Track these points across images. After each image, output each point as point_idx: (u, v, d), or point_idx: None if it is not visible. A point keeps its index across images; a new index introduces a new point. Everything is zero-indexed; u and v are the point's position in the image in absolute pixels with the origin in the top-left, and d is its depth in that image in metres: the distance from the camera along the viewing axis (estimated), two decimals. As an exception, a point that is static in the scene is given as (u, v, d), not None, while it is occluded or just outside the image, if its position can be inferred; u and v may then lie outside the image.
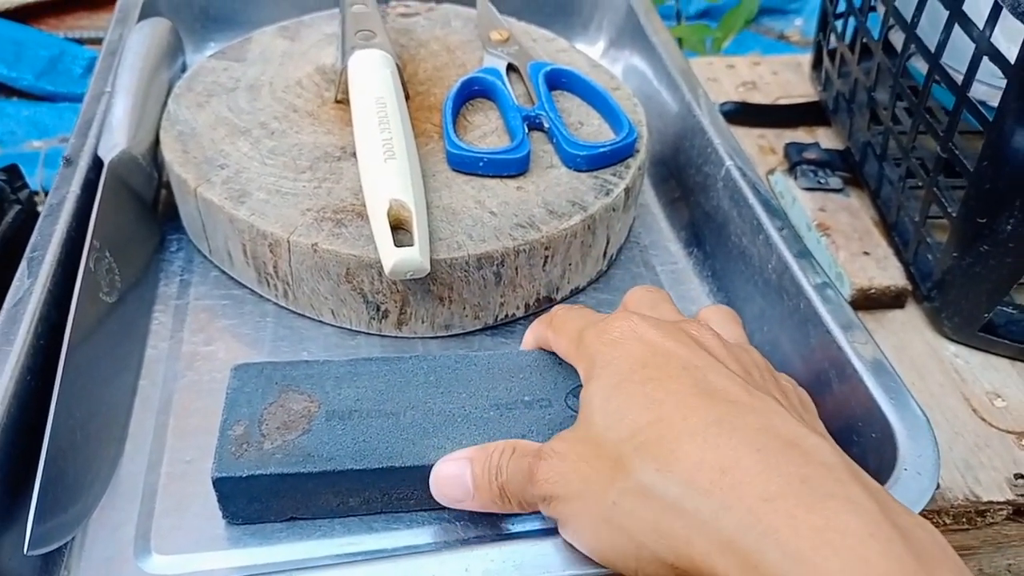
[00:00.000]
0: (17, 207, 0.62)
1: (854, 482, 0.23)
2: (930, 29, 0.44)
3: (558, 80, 0.51)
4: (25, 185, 0.63)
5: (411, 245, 0.38)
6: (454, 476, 0.32)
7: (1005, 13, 0.37)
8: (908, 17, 0.45)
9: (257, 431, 0.33)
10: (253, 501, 0.33)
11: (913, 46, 0.45)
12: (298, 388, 0.35)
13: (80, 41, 1.26)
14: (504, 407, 0.35)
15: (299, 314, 0.44)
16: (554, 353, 0.36)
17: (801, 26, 1.47)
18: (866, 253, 0.48)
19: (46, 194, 1.10)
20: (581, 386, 0.31)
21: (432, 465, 0.32)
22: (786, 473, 0.23)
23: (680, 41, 0.98)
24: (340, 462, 0.33)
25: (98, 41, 1.27)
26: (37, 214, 0.66)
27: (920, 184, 0.46)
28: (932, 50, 0.43)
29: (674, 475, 0.24)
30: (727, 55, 1.01)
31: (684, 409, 0.26)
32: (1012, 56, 0.37)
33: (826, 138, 0.60)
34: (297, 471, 0.32)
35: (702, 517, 0.23)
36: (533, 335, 0.38)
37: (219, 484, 0.32)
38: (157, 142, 0.46)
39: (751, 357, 0.32)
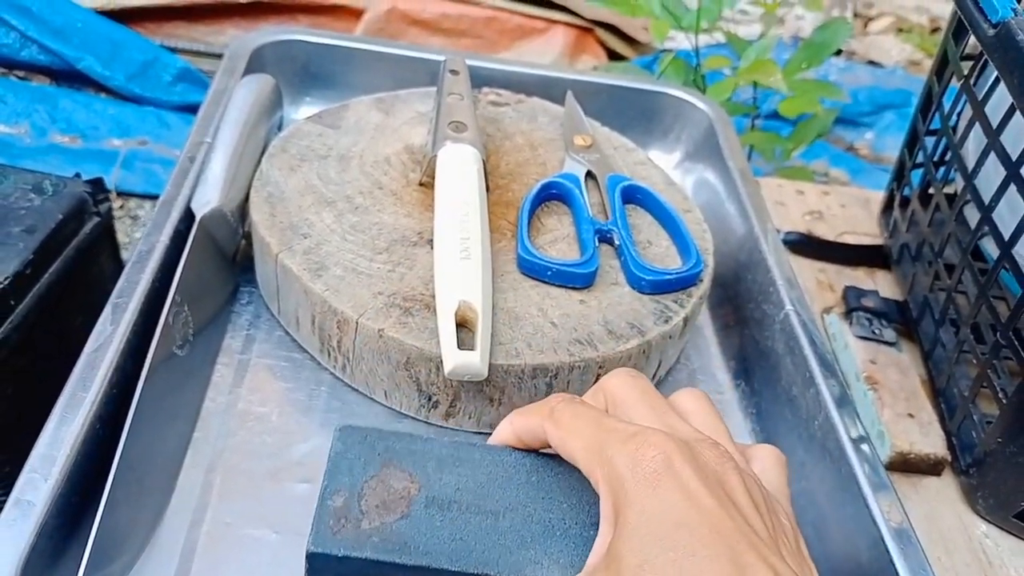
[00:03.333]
0: (96, 219, 0.65)
1: None
2: (1008, 215, 0.45)
3: (633, 195, 0.53)
4: (107, 199, 0.66)
5: (472, 348, 0.40)
6: None
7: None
8: (986, 198, 0.46)
9: (356, 506, 0.33)
10: None
11: (986, 227, 0.45)
12: (400, 464, 0.34)
13: (174, 50, 1.31)
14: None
15: (353, 388, 0.45)
16: None
17: (872, 140, 1.48)
18: (911, 415, 0.49)
19: (119, 195, 1.15)
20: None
21: None
22: None
23: (751, 147, 1.00)
24: (436, 558, 0.32)
25: (191, 52, 1.31)
26: (112, 228, 0.69)
27: (975, 359, 0.46)
28: (1006, 238, 0.44)
29: None
30: (797, 164, 1.02)
31: None
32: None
33: (886, 284, 0.61)
34: (391, 560, 0.32)
35: None
36: (514, 428, 0.35)
37: (312, 559, 0.32)
38: (246, 198, 0.49)
39: (778, 518, 0.30)
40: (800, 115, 0.94)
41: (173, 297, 0.41)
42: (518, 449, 0.35)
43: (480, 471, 0.35)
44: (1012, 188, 0.43)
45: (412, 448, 0.35)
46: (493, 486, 0.34)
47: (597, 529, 0.31)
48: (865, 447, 0.40)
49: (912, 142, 0.59)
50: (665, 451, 0.28)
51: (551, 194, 0.52)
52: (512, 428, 0.35)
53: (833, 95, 0.91)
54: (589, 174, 0.54)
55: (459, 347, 0.40)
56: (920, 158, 0.58)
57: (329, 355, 0.45)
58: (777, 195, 0.70)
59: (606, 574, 0.28)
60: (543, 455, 0.35)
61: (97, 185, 0.65)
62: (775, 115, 1.32)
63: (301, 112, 0.64)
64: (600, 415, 0.32)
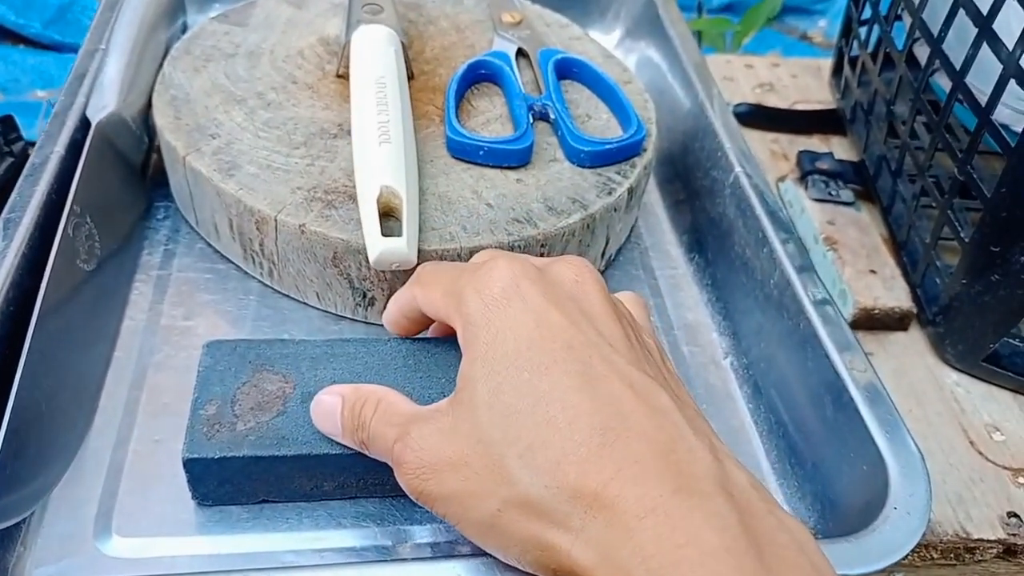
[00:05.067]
0: (10, 159, 0.60)
1: (719, 493, 0.24)
2: (957, 45, 0.42)
3: (568, 69, 0.49)
4: (20, 137, 0.62)
5: (399, 235, 0.37)
6: (328, 409, 0.31)
7: (1038, 35, 0.35)
8: (935, 30, 0.43)
9: (230, 411, 0.33)
10: (224, 483, 0.33)
11: (938, 61, 0.43)
12: (272, 368, 0.34)
13: (90, -9, 1.24)
14: None
15: (284, 294, 0.42)
16: None
17: (825, 27, 1.45)
18: (872, 271, 0.47)
19: (45, 145, 1.08)
20: None
21: None
22: (660, 485, 0.23)
23: (699, 35, 0.96)
24: (315, 446, 0.32)
25: (109, -8, 1.25)
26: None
27: (934, 204, 0.44)
28: (957, 67, 0.41)
29: (560, 492, 0.24)
30: (747, 53, 0.99)
31: (570, 411, 0.25)
32: (1041, 81, 0.35)
33: (841, 148, 0.58)
34: (271, 454, 0.32)
35: (586, 535, 0.24)
36: (397, 304, 0.34)
37: (189, 465, 0.32)
38: (150, 105, 0.45)
39: (642, 337, 0.30)
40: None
41: (71, 207, 0.37)
42: (394, 339, 0.35)
43: (356, 363, 0.35)
44: (961, 14, 0.40)
45: (284, 352, 0.35)
46: (370, 374, 0.34)
47: None
48: (822, 298, 0.38)
49: (858, -7, 0.56)
50: (512, 273, 0.28)
51: (480, 75, 0.49)
52: (396, 305, 0.35)
53: (779, -31, 0.87)
54: (521, 52, 0.51)
55: (384, 234, 0.37)
56: (867, 12, 0.55)
57: (253, 261, 0.42)
58: (726, 71, 0.67)
59: (462, 396, 0.27)
60: (419, 340, 0.36)
61: (7, 123, 0.61)
62: (724, 8, 1.29)
63: (212, 20, 0.60)
64: (459, 265, 0.32)
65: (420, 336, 0.36)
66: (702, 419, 0.28)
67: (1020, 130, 0.37)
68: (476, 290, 0.28)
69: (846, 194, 0.52)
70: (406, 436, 0.27)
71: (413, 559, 0.31)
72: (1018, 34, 0.37)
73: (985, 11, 0.39)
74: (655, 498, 0.23)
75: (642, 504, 0.23)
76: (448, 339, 0.35)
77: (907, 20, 0.47)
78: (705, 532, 0.22)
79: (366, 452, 0.30)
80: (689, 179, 0.51)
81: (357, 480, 0.33)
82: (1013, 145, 0.38)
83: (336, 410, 0.31)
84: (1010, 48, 0.37)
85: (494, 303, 0.27)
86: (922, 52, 0.46)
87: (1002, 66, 0.38)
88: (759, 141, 0.59)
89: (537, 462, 0.25)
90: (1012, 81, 0.37)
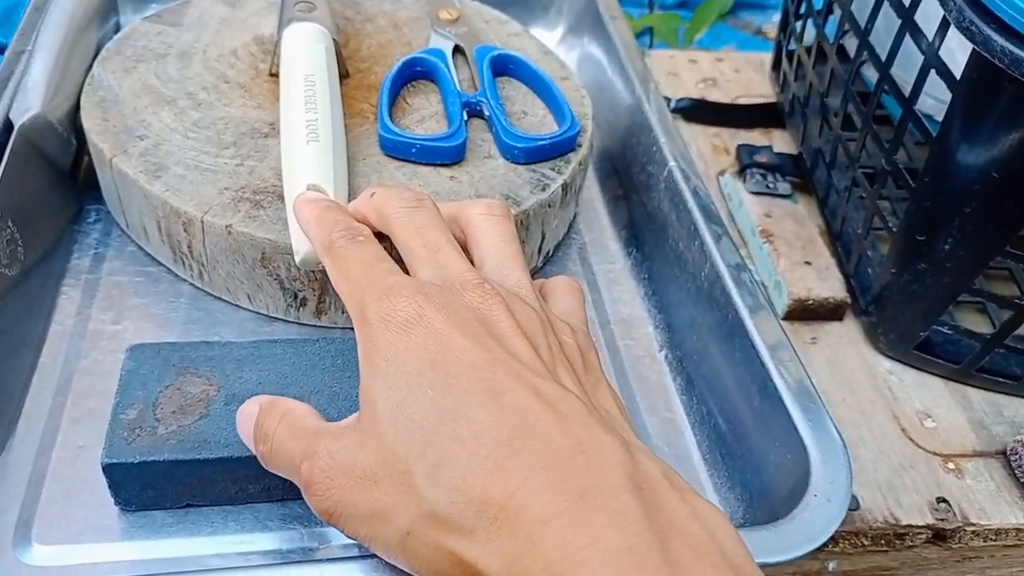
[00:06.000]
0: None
1: (627, 488, 0.23)
2: (885, 36, 0.43)
3: (505, 66, 0.49)
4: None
5: (328, 233, 0.37)
6: (247, 419, 0.30)
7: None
8: (863, 23, 0.44)
9: (151, 415, 0.32)
10: (147, 488, 0.32)
11: (865, 53, 0.43)
12: (196, 371, 0.34)
13: (38, -7, 1.22)
14: None
15: (215, 297, 0.42)
16: None
17: (779, 22, 1.46)
18: (807, 263, 0.47)
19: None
20: None
21: None
22: (566, 489, 0.23)
23: (651, 31, 0.96)
24: (238, 448, 0.31)
25: (58, -6, 1.23)
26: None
27: (864, 195, 0.45)
28: (883, 58, 0.42)
29: (468, 506, 0.24)
30: (696, 48, 0.99)
31: (475, 426, 0.25)
32: (959, 71, 0.36)
33: (781, 141, 0.59)
34: (192, 457, 0.31)
35: (492, 545, 0.23)
36: (314, 238, 0.33)
37: (109, 470, 0.31)
38: (78, 107, 0.44)
39: (561, 343, 0.29)
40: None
41: (-9, 212, 0.37)
42: (322, 338, 0.36)
43: (283, 364, 0.34)
44: (886, 6, 0.41)
45: (209, 354, 0.34)
46: (297, 375, 0.34)
47: None
48: (760, 305, 0.38)
49: (794, -13, 0.56)
50: (417, 303, 0.27)
51: (416, 72, 0.48)
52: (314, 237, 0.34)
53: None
54: (458, 49, 0.51)
55: (311, 232, 0.36)
56: (802, 8, 0.55)
57: (183, 263, 0.42)
58: (669, 66, 0.67)
59: (365, 412, 0.27)
60: (348, 340, 0.35)
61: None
62: (679, 4, 1.29)
63: (148, 21, 0.59)
64: (370, 260, 0.30)
65: (350, 337, 0.35)
66: (619, 419, 0.27)
67: (941, 120, 0.37)
68: (379, 315, 0.27)
69: (784, 187, 0.52)
70: (314, 455, 0.27)
71: (330, 559, 0.31)
72: (937, 24, 0.37)
73: (907, 2, 0.40)
74: (560, 502, 0.23)
75: (547, 510, 0.23)
76: None
77: (838, 13, 0.47)
78: (608, 531, 0.22)
79: (268, 468, 0.29)
80: (627, 174, 0.51)
81: (283, 482, 0.33)
82: (935, 135, 0.38)
83: (252, 419, 0.30)
84: (930, 39, 0.38)
85: (396, 328, 0.27)
86: (852, 45, 0.46)
87: (923, 56, 0.38)
88: (701, 136, 0.60)
89: (444, 478, 0.24)
90: (933, 71, 0.38)
